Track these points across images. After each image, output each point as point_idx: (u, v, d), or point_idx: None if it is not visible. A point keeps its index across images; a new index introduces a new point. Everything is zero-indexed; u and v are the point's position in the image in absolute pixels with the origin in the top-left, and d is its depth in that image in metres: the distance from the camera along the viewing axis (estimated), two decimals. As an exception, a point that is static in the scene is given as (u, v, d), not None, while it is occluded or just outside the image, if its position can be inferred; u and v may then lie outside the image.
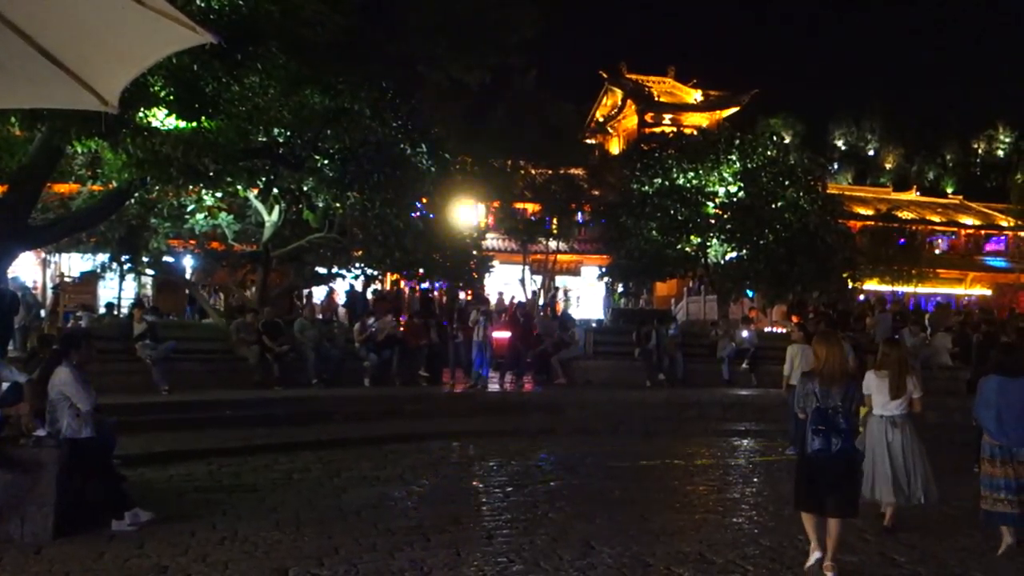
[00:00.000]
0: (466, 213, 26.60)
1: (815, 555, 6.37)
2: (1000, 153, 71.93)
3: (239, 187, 15.39)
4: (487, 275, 26.65)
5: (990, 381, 7.30)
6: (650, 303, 31.71)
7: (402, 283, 25.99)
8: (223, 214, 18.06)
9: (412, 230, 17.74)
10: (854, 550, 6.96)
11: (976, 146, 78.52)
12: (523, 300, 25.93)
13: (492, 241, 34.27)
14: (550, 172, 30.62)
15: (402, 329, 16.95)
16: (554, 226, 31.84)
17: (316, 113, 14.66)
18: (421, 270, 19.78)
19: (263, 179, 15.49)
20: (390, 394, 15.22)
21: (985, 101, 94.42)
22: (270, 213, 17.34)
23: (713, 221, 21.24)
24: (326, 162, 15.57)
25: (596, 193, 30.75)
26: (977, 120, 76.81)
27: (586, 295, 36.35)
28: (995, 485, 7.05)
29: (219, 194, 16.41)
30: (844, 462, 6.26)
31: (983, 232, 50.00)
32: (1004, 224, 48.27)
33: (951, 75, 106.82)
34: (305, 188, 16.09)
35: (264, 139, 14.70)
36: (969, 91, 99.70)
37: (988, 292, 44.90)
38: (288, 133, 15.07)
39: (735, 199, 21.17)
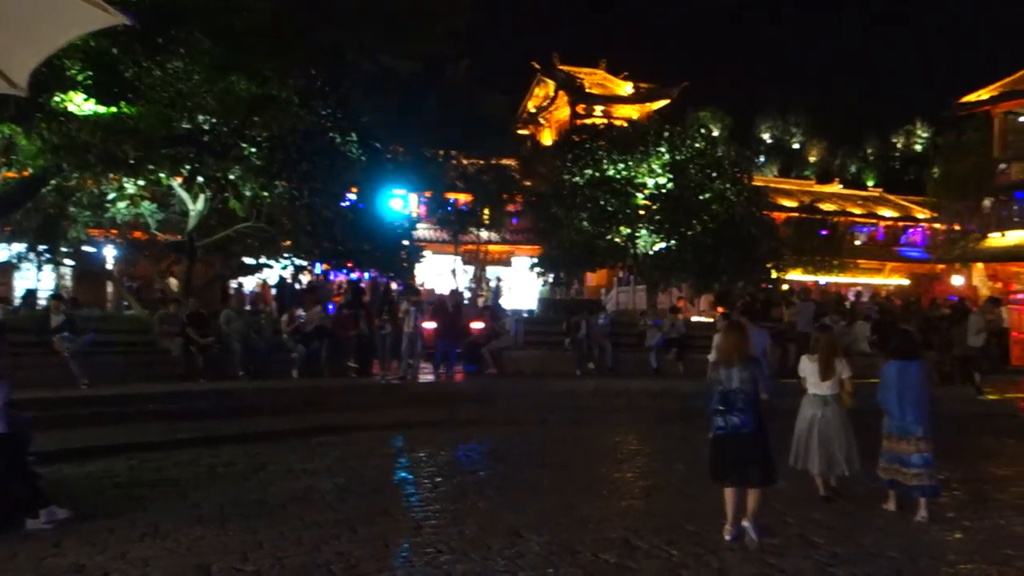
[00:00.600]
0: (397, 203, 26.39)
1: (729, 531, 6.87)
2: (918, 148, 74.45)
3: (162, 175, 15.00)
4: (418, 265, 26.49)
5: (890, 365, 7.97)
6: (581, 293, 31.98)
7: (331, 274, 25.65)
8: (146, 203, 17.58)
9: (341, 220, 17.53)
10: (775, 532, 7.14)
11: (896, 141, 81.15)
12: (457, 289, 25.85)
13: (423, 231, 34.15)
14: (482, 162, 30.59)
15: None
16: (485, 216, 31.86)
17: (242, 100, 14.37)
18: (351, 261, 19.56)
19: (187, 167, 15.11)
20: (319, 386, 15.05)
21: (905, 98, 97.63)
22: (195, 202, 16.93)
23: (642, 212, 21.45)
24: (253, 150, 15.28)
25: (528, 184, 30.86)
26: (897, 116, 79.40)
27: (518, 286, 36.50)
28: (892, 458, 7.84)
29: (141, 182, 15.97)
30: (744, 438, 6.75)
31: (901, 224, 51.68)
32: (920, 216, 49.97)
33: (873, 72, 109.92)
34: (231, 176, 15.76)
35: (188, 126, 14.36)
36: (890, 88, 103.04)
37: (906, 282, 46.47)
38: (213, 120, 14.75)
39: (664, 190, 21.43)
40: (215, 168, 15.35)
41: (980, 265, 35.04)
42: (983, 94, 34.76)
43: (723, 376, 6.85)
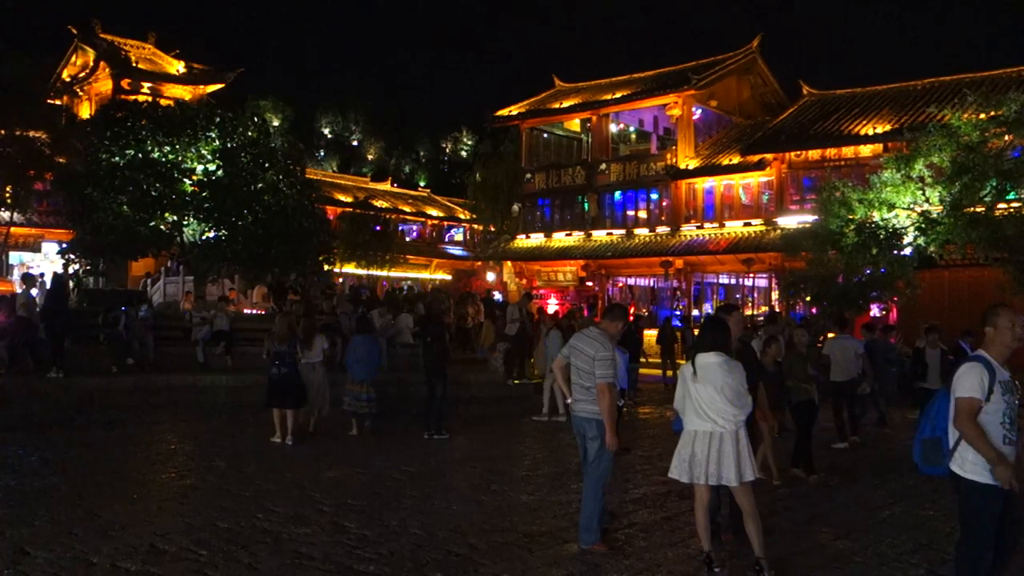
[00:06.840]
0: None
1: (277, 437, 11.41)
2: (463, 153, 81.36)
3: None
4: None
5: (355, 339, 12.98)
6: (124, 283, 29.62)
7: None
8: None
9: None
10: (309, 522, 7.30)
11: (445, 146, 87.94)
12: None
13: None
14: (3, 132, 26.82)
15: None
16: (8, 195, 28.09)
17: None
18: None
19: None
20: None
21: (454, 106, 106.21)
22: None
23: (190, 199, 20.40)
24: None
25: (62, 161, 27.67)
26: (447, 122, 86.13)
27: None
28: (352, 396, 12.41)
29: None
30: (287, 379, 11.54)
31: (446, 223, 55.98)
32: (462, 217, 54.54)
33: (425, 78, 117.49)
34: None
35: None
36: (442, 95, 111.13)
37: (449, 277, 50.43)
38: None
39: (214, 178, 20.60)
40: None
41: (509, 263, 39.16)
42: (513, 110, 38.90)
43: (277, 344, 11.60)
